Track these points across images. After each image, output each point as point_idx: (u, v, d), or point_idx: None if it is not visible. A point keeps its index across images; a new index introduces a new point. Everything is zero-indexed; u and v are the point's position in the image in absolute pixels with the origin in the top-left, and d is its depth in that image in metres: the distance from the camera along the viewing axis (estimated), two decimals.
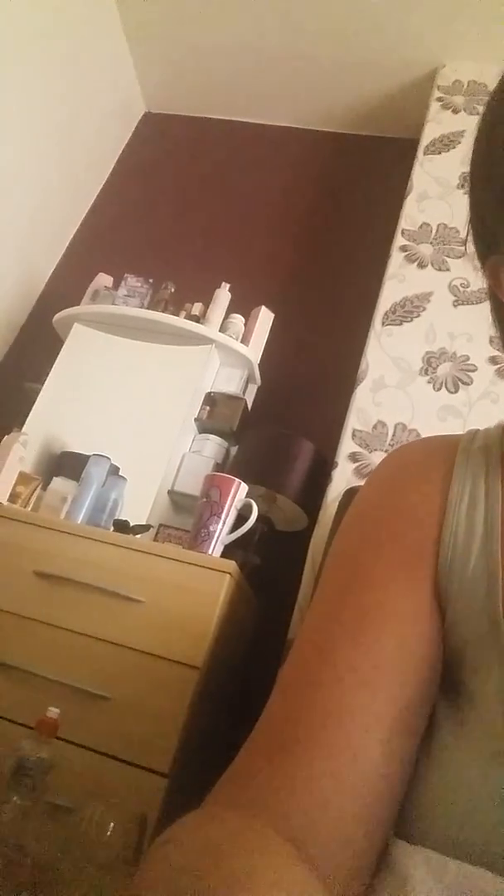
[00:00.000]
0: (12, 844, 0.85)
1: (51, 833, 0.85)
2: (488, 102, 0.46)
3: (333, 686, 0.41)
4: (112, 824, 0.77)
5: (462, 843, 0.36)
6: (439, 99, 2.29)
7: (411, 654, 0.43)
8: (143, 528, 1.71)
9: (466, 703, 0.42)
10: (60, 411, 2.08)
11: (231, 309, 2.21)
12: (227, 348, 2.13)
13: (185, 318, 2.16)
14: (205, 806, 0.39)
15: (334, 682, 0.41)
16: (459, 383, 1.79)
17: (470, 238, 0.50)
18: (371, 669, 0.42)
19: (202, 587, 1.42)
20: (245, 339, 2.17)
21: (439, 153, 2.17)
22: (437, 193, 2.10)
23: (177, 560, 1.47)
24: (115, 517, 1.75)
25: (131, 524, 1.70)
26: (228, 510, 1.58)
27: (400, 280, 1.98)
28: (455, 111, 2.25)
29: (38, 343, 2.36)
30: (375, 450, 1.73)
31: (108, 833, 0.77)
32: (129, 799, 1.20)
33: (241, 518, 1.61)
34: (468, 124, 2.19)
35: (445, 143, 2.19)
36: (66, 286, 2.51)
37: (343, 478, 1.71)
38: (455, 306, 1.91)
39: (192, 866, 0.30)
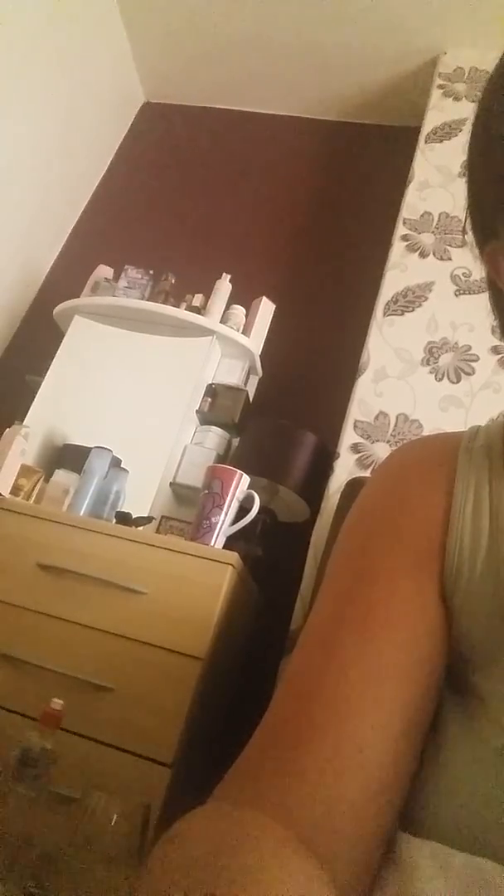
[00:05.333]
0: (17, 834, 0.85)
1: (55, 823, 0.85)
2: (485, 88, 0.46)
3: (339, 681, 0.41)
4: (116, 815, 0.78)
5: (468, 835, 0.36)
6: (441, 86, 2.27)
7: (417, 650, 0.43)
8: (145, 520, 1.72)
9: (475, 700, 0.42)
10: (62, 404, 2.08)
11: (232, 300, 2.20)
12: (228, 339, 2.13)
13: (185, 309, 2.16)
14: (212, 801, 0.39)
15: (340, 677, 0.42)
16: (461, 373, 1.78)
17: (469, 226, 0.50)
18: (377, 665, 0.42)
19: (204, 579, 1.42)
20: (246, 331, 2.16)
21: (441, 141, 2.16)
22: (438, 182, 2.09)
23: (179, 552, 1.47)
24: (118, 509, 1.76)
25: (133, 516, 1.71)
26: (230, 502, 1.58)
27: (401, 270, 1.97)
28: (456, 99, 2.23)
29: (39, 335, 2.36)
30: (377, 440, 1.73)
31: (112, 823, 0.77)
32: (133, 789, 1.21)
33: (244, 509, 1.61)
34: (470, 112, 2.16)
35: (447, 132, 2.17)
36: (66, 278, 2.50)
37: (345, 469, 1.71)
38: (457, 296, 1.90)
39: (202, 860, 0.30)
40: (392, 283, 1.95)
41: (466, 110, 2.18)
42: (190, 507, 1.84)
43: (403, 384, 1.80)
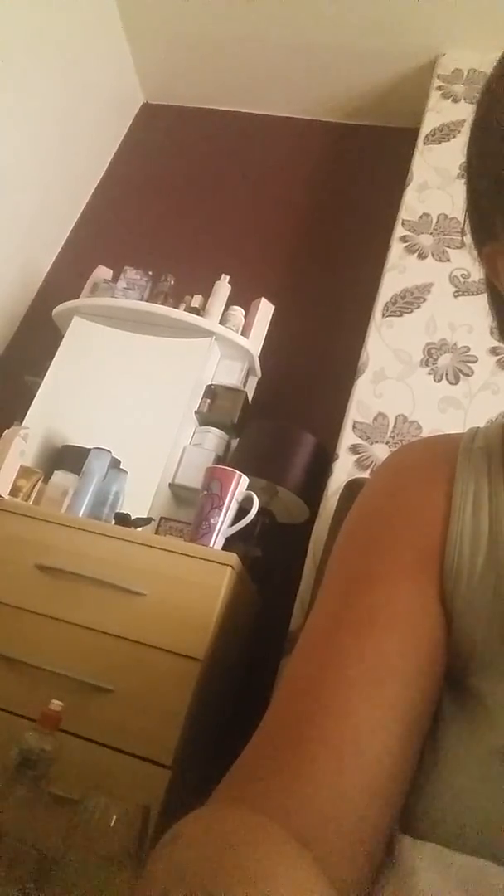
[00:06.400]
0: (16, 836, 0.85)
1: (54, 825, 0.85)
2: (483, 89, 0.46)
3: (339, 683, 0.41)
4: (115, 816, 0.78)
5: (468, 836, 0.36)
6: (439, 88, 2.27)
7: (416, 652, 0.43)
8: (144, 521, 1.72)
9: (474, 702, 0.42)
10: (61, 405, 2.08)
11: (231, 301, 2.20)
12: (227, 340, 2.13)
13: (184, 310, 2.16)
14: (211, 802, 0.39)
15: (340, 679, 0.42)
16: (460, 374, 1.78)
17: (467, 227, 0.50)
18: (376, 667, 0.42)
19: (204, 580, 1.42)
20: (245, 332, 2.16)
21: (439, 143, 2.16)
22: (437, 183, 2.09)
23: (178, 553, 1.47)
24: (117, 510, 1.76)
25: (132, 517, 1.70)
26: (229, 503, 1.58)
27: (400, 271, 1.97)
28: (455, 100, 2.24)
29: (38, 336, 2.36)
30: (376, 442, 1.73)
31: (112, 825, 0.77)
32: (132, 791, 1.20)
33: (243, 510, 1.61)
34: (468, 113, 2.16)
35: (445, 133, 2.18)
36: (65, 279, 2.50)
37: (344, 470, 1.71)
38: (455, 297, 1.90)
39: (202, 862, 0.30)
40: (391, 284, 1.95)
41: (465, 112, 2.18)
42: (189, 508, 1.84)
43: (402, 385, 1.80)
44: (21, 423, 1.95)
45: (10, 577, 1.48)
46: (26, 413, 2.03)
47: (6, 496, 1.68)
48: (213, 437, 2.02)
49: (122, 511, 1.74)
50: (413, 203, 2.07)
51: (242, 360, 2.18)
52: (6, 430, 1.81)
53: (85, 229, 2.72)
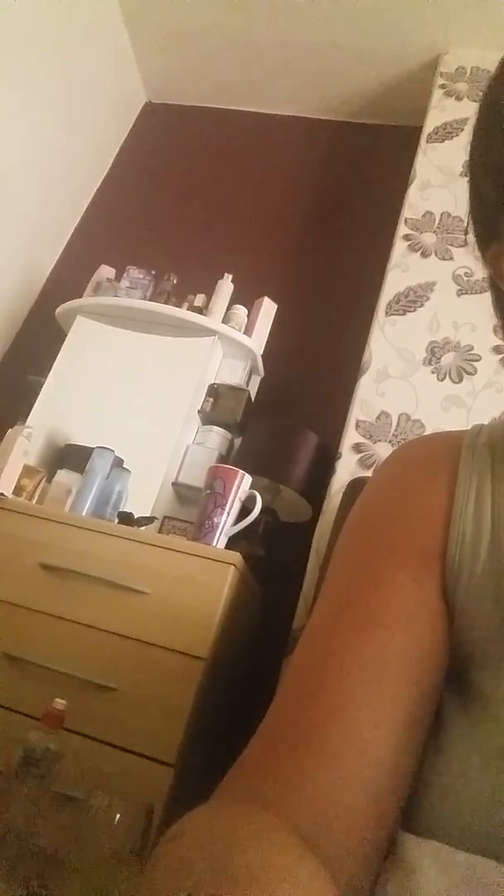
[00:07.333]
0: (21, 834, 0.85)
1: (58, 823, 0.85)
2: (487, 87, 0.46)
3: (341, 681, 0.41)
4: (118, 814, 0.78)
5: (470, 835, 0.36)
6: (442, 86, 2.27)
7: (418, 650, 0.43)
8: (147, 520, 1.72)
9: (476, 700, 0.42)
10: (64, 404, 2.08)
11: (234, 300, 2.20)
12: (230, 339, 2.13)
13: (187, 309, 2.16)
14: (214, 799, 0.39)
15: (342, 676, 0.41)
16: (463, 373, 1.78)
17: (470, 227, 0.50)
18: (379, 665, 0.42)
19: (207, 579, 1.42)
20: (248, 331, 2.16)
21: (442, 141, 2.16)
22: (440, 182, 2.08)
23: (181, 552, 1.47)
24: (120, 509, 1.76)
25: (135, 516, 1.71)
26: (232, 502, 1.58)
27: (403, 269, 1.97)
28: (458, 98, 2.23)
29: (41, 336, 2.36)
30: (379, 440, 1.73)
31: (115, 823, 0.77)
32: (136, 789, 1.21)
33: (246, 509, 1.61)
34: (471, 111, 2.16)
35: (448, 131, 2.17)
36: (68, 278, 2.50)
37: (347, 469, 1.71)
38: (459, 296, 1.90)
39: (205, 860, 0.30)
40: (394, 282, 1.95)
41: (468, 110, 2.18)
42: (192, 507, 1.84)
43: (405, 384, 1.79)
44: (24, 422, 1.95)
45: (13, 577, 1.48)
46: (29, 412, 2.04)
47: (9, 495, 1.68)
48: (216, 436, 2.02)
49: (125, 510, 1.74)
50: (416, 201, 2.07)
51: (245, 358, 2.18)
52: (9, 430, 1.81)
53: (88, 228, 2.72)
